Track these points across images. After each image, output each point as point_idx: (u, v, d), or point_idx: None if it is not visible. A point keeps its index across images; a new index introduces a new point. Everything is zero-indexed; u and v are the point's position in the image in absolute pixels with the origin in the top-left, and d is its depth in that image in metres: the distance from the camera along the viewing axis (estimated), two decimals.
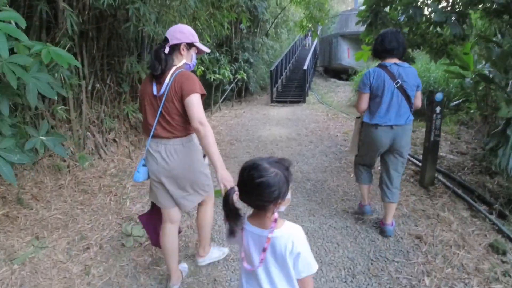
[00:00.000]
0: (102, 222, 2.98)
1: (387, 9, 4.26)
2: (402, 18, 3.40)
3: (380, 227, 2.80)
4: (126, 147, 4.54)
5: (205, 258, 2.34)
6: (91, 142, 4.25)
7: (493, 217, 2.94)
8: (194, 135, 1.92)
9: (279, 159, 1.19)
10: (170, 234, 2.05)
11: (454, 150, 4.82)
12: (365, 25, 4.49)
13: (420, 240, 2.68)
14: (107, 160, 4.24)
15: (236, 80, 11.34)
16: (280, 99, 11.98)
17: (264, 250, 1.16)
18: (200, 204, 2.17)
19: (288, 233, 1.16)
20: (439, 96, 3.43)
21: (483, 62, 4.75)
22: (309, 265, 1.17)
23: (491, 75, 3.65)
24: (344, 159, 4.71)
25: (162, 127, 1.82)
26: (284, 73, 14.30)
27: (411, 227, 2.89)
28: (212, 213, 2.27)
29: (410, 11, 3.08)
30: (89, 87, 4.25)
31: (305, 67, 12.95)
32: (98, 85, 4.32)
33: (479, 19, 5.38)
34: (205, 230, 2.25)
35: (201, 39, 8.97)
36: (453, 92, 7.77)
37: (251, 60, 12.14)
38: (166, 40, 1.87)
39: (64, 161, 3.86)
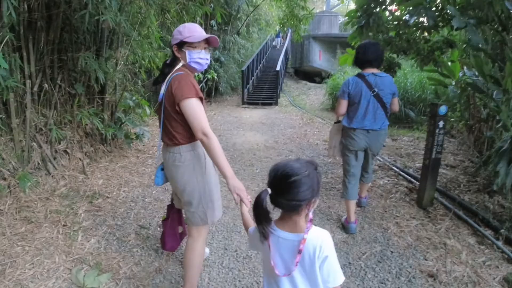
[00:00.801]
0: (47, 266, 2.31)
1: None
2: (412, 20, 3.05)
3: (357, 200, 3.13)
4: (80, 159, 3.84)
5: None
6: (37, 155, 3.51)
7: (500, 244, 2.70)
8: (198, 144, 1.78)
9: (308, 160, 1.18)
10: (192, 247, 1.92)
11: (442, 163, 4.60)
12: (355, 27, 4.13)
13: (434, 279, 2.33)
14: (57, 176, 3.52)
15: (205, 80, 10.72)
16: (252, 101, 11.51)
17: (299, 252, 1.12)
18: (189, 235, 1.92)
19: (317, 237, 1.13)
20: (443, 109, 3.11)
21: (465, 70, 4.60)
22: (335, 273, 1.13)
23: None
24: (331, 172, 4.31)
25: (165, 133, 1.79)
26: (255, 74, 13.84)
27: (420, 261, 2.52)
28: (202, 252, 1.94)
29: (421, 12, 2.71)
30: (35, 88, 3.50)
31: (277, 68, 12.60)
32: (46, 85, 3.57)
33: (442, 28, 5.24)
34: (192, 271, 1.91)
35: (170, 33, 8.31)
36: (429, 99, 7.72)
37: (222, 59, 11.58)
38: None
39: (4, 179, 3.12)
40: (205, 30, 9.33)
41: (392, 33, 4.67)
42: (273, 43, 21.40)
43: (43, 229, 2.74)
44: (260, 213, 1.13)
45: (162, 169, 1.93)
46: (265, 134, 6.60)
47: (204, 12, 4.47)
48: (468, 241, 2.78)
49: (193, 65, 1.79)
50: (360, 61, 2.74)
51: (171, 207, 2.23)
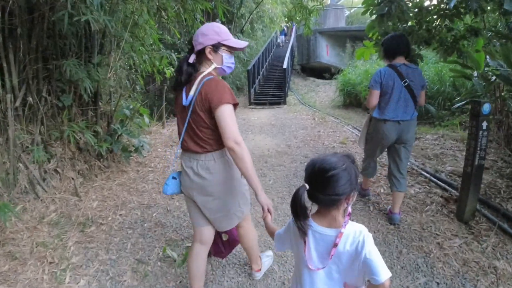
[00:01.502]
0: None
1: None
2: (452, 4, 2.58)
3: (389, 216, 2.95)
4: (72, 179, 3.45)
5: (261, 271, 2.24)
6: (24, 177, 3.14)
7: None
8: (224, 151, 1.71)
9: (345, 153, 1.16)
10: (198, 255, 1.88)
11: None
12: (375, 16, 3.65)
13: None
14: (47, 200, 3.14)
15: None
16: (259, 101, 11.07)
17: (335, 245, 1.11)
18: (239, 226, 1.98)
19: (356, 231, 1.12)
20: (486, 107, 2.63)
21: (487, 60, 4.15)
22: (381, 268, 1.07)
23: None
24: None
25: (191, 140, 1.68)
26: (261, 73, 13.38)
27: None
28: (254, 231, 2.12)
29: None
30: (18, 103, 3.13)
31: (284, 66, 12.14)
32: (31, 99, 3.20)
33: (491, 12, 4.72)
34: (253, 250, 2.13)
35: (170, 34, 7.91)
36: (448, 92, 7.17)
37: None
38: (191, 48, 1.67)
39: None
40: None
41: (411, 23, 4.19)
42: (278, 41, 20.80)
43: (28, 268, 2.35)
44: (298, 210, 1.12)
45: (174, 178, 1.83)
46: (275, 138, 6.15)
47: (205, 8, 4.03)
48: None
49: (225, 69, 1.71)
50: (392, 52, 2.71)
51: None
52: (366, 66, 10.26)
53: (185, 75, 1.63)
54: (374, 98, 2.70)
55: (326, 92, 13.25)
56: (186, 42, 10.82)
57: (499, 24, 5.34)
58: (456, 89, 7.40)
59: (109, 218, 3.03)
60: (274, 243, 1.39)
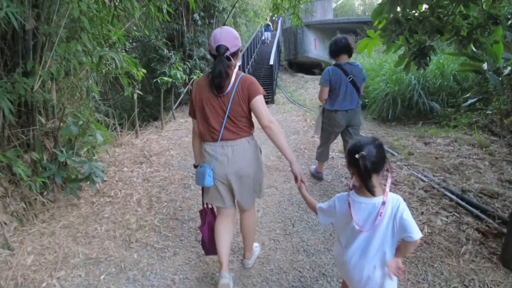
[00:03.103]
0: None
1: None
2: None
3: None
4: (4, 224, 2.62)
5: (251, 259, 2.36)
6: None
7: None
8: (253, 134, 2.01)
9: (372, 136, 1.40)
10: (226, 225, 2.09)
11: (504, 179, 3.41)
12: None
13: None
14: None
15: (192, 81, 9.48)
16: None
17: (380, 214, 1.30)
18: (243, 212, 2.15)
19: (394, 199, 1.33)
20: None
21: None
22: (414, 227, 1.27)
23: None
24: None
25: (228, 130, 1.88)
26: (246, 70, 12.56)
27: None
28: (255, 218, 2.28)
29: None
30: None
31: (271, 62, 11.37)
32: None
33: None
34: (250, 236, 2.26)
35: (137, 30, 7.00)
36: (451, 87, 6.49)
37: (208, 57, 10.31)
38: (224, 49, 1.84)
39: None
40: (187, 25, 8.06)
41: (419, 9, 3.43)
42: (262, 38, 19.68)
43: None
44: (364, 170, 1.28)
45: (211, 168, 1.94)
46: (264, 146, 5.34)
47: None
48: None
49: (238, 67, 1.97)
50: (337, 52, 3.17)
51: (205, 212, 2.17)
52: (360, 59, 9.53)
53: (228, 74, 1.82)
54: (325, 93, 3.24)
55: (315, 88, 12.50)
56: (164, 39, 9.94)
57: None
58: (458, 83, 6.75)
59: (43, 285, 2.22)
60: (318, 215, 1.56)
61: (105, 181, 3.80)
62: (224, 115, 1.85)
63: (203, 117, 1.91)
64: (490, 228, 2.63)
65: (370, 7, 24.41)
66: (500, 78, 4.75)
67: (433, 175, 3.50)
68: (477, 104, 5.53)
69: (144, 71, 5.12)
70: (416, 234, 1.24)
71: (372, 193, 1.30)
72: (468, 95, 5.56)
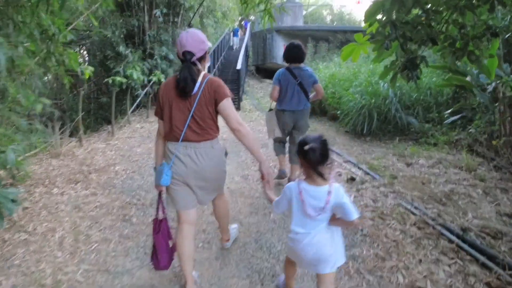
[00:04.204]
0: None
1: None
2: None
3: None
4: None
5: (230, 241, 2.48)
6: None
7: None
8: (218, 137, 2.01)
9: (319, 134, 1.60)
10: (188, 236, 1.99)
11: (503, 213, 3.01)
12: None
13: None
14: None
15: (151, 83, 8.60)
16: None
17: (329, 193, 1.53)
18: (218, 198, 2.19)
19: (337, 187, 1.55)
20: None
21: None
22: (353, 210, 1.53)
23: None
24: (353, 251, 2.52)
25: (192, 131, 1.87)
26: (212, 73, 11.85)
27: None
28: (226, 203, 2.32)
29: None
30: None
31: (238, 67, 10.75)
32: None
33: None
34: (224, 220, 2.33)
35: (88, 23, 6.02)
36: (427, 101, 6.22)
37: (171, 57, 9.50)
38: (190, 55, 1.84)
39: None
40: (149, 22, 7.23)
41: (414, 12, 2.96)
42: (230, 43, 18.57)
43: None
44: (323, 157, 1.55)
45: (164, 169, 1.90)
46: (227, 162, 4.68)
47: None
48: None
49: (206, 68, 2.00)
50: (291, 58, 3.34)
51: (159, 221, 2.00)
52: (332, 69, 9.17)
53: (194, 79, 1.83)
54: (276, 92, 3.38)
55: None
56: (122, 36, 8.93)
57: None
58: (433, 97, 6.52)
59: None
60: (274, 207, 1.75)
61: (26, 208, 2.95)
62: (189, 115, 1.84)
63: (169, 117, 1.89)
64: (502, 281, 2.16)
65: (338, 17, 24.72)
66: (488, 95, 4.46)
67: (425, 207, 3.02)
68: (458, 121, 5.25)
69: (92, 68, 4.29)
70: (354, 215, 1.51)
71: (322, 176, 1.54)
72: (449, 111, 5.26)
